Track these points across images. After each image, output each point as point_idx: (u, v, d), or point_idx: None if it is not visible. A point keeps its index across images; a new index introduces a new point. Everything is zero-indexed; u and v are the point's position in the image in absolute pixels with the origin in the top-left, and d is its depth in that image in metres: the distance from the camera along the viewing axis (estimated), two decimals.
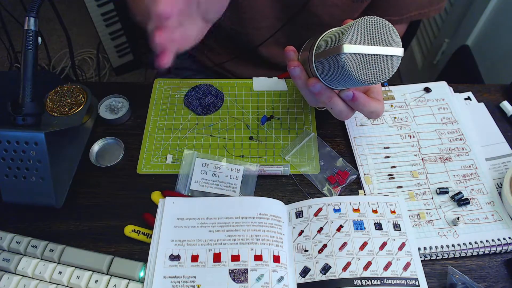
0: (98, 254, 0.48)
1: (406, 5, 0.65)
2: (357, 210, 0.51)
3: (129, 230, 0.52)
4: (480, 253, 0.50)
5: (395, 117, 0.61)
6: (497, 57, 1.07)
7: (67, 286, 0.47)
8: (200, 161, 0.57)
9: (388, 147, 0.59)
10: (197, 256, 0.48)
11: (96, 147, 0.60)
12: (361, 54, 0.39)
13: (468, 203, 0.53)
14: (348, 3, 0.63)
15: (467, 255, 0.50)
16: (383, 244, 0.48)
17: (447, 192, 0.54)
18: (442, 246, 0.49)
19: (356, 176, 0.56)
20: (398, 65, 0.41)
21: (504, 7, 1.04)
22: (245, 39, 0.71)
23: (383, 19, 0.40)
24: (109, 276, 0.47)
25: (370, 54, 0.39)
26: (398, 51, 0.40)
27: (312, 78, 0.46)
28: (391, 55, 0.40)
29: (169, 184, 0.56)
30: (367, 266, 0.47)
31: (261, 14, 0.66)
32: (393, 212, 0.52)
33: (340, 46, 0.39)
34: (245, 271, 0.46)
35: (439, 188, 0.54)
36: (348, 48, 0.39)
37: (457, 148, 0.58)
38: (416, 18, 0.67)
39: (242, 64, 0.79)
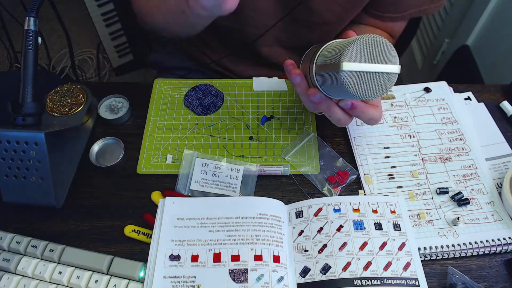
0: (98, 254, 0.48)
1: (406, 2, 0.65)
2: (357, 210, 0.51)
3: (129, 230, 0.52)
4: (480, 253, 0.50)
5: (395, 117, 0.61)
6: (497, 57, 1.07)
7: (67, 286, 0.47)
8: (200, 161, 0.57)
9: (388, 147, 0.59)
10: (197, 256, 0.48)
11: (96, 147, 0.60)
12: (359, 71, 0.41)
13: (468, 203, 0.53)
14: (349, 0, 0.63)
15: (467, 255, 0.50)
16: (383, 244, 0.48)
17: (447, 192, 0.54)
18: (442, 246, 0.49)
19: (356, 176, 0.56)
20: (395, 81, 0.42)
21: (504, 7, 1.04)
22: (243, 37, 0.71)
23: (382, 38, 0.41)
24: (109, 276, 0.47)
25: (368, 72, 0.41)
26: (395, 68, 0.42)
27: (312, 88, 0.48)
28: (388, 73, 0.41)
29: (169, 184, 0.56)
30: (367, 266, 0.47)
31: (261, 12, 0.66)
32: (393, 212, 0.52)
33: (339, 64, 0.41)
34: (245, 271, 0.46)
35: (439, 188, 0.54)
36: (347, 66, 0.40)
37: (457, 148, 0.58)
38: (416, 15, 0.67)
39: (241, 62, 0.79)
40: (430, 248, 0.49)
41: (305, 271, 0.47)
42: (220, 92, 0.66)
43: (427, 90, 0.64)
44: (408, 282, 0.46)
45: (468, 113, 0.62)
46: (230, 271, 0.46)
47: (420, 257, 0.49)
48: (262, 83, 0.67)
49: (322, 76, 0.45)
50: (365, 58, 0.41)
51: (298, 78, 0.49)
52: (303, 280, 0.47)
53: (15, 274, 0.48)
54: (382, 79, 0.41)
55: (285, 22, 0.68)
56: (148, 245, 0.49)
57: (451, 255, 0.49)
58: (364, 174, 0.56)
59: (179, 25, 0.60)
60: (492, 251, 0.50)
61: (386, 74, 0.41)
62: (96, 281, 0.46)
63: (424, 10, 0.66)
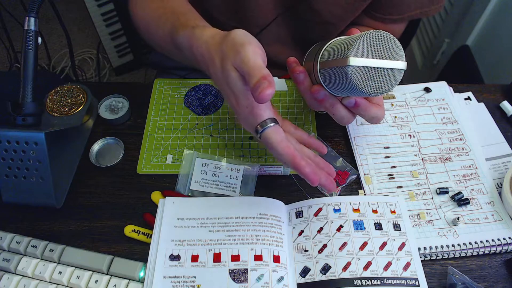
0: (98, 254, 0.48)
1: (407, 4, 0.65)
2: (357, 210, 0.51)
3: (129, 230, 0.52)
4: (480, 253, 0.50)
5: (395, 116, 0.61)
6: (497, 57, 1.07)
7: (67, 286, 0.47)
8: (200, 161, 0.57)
9: (388, 147, 0.59)
10: (197, 256, 0.48)
11: (96, 147, 0.60)
12: (366, 67, 0.41)
13: (468, 203, 0.53)
14: (350, 1, 0.63)
15: (467, 255, 0.50)
16: (383, 244, 0.48)
17: (447, 192, 0.54)
18: (442, 246, 0.49)
19: (356, 176, 0.56)
20: (401, 77, 0.42)
21: (504, 7, 1.04)
22: None
23: (388, 33, 0.41)
24: (109, 276, 0.47)
25: (374, 67, 0.41)
26: (401, 64, 0.41)
27: (316, 86, 0.47)
28: (395, 69, 0.41)
29: (169, 184, 0.56)
30: (367, 266, 0.47)
31: (263, 11, 0.66)
32: (393, 212, 0.52)
33: (346, 59, 0.40)
34: (245, 271, 0.46)
35: (439, 188, 0.54)
36: (354, 61, 0.40)
37: (457, 148, 0.58)
38: (417, 17, 0.67)
39: None
40: (430, 248, 0.49)
41: (305, 271, 0.47)
42: (220, 92, 0.66)
43: (427, 90, 0.64)
44: (408, 282, 0.46)
45: (468, 113, 0.62)
46: (230, 271, 0.46)
47: (420, 257, 0.49)
48: None
49: (327, 72, 0.45)
50: (372, 53, 0.41)
51: (302, 75, 0.49)
52: (303, 280, 0.47)
53: (15, 274, 0.48)
54: (389, 75, 0.41)
55: (285, 19, 0.68)
56: (148, 245, 0.49)
57: (451, 255, 0.49)
58: (364, 174, 0.56)
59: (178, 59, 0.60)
60: (492, 251, 0.50)
61: (393, 70, 0.41)
62: (96, 281, 0.46)
63: (424, 12, 0.66)
